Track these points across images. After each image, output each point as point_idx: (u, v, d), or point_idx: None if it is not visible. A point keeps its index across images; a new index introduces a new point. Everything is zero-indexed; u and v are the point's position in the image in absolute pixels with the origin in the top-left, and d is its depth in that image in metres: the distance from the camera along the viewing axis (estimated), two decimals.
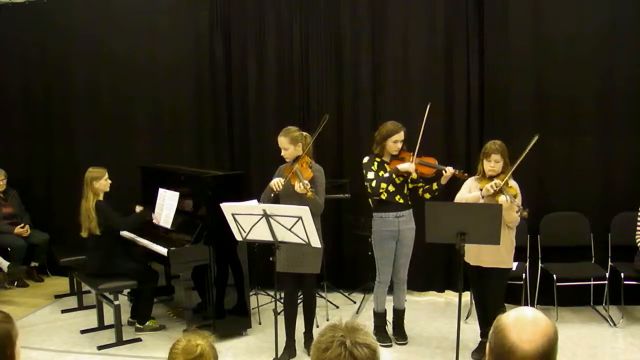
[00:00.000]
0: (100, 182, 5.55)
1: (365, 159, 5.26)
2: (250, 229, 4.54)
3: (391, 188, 5.12)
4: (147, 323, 5.74)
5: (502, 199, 4.61)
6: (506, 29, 6.05)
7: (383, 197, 5.12)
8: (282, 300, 5.27)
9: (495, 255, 4.75)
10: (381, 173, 5.12)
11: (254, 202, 4.85)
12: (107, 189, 5.62)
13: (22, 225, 7.13)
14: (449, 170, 5.01)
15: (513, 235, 4.85)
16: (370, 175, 5.16)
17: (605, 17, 5.83)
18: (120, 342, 5.45)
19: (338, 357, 1.79)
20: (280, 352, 4.87)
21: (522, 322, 1.83)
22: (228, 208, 4.56)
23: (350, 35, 6.54)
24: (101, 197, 5.55)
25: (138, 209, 5.84)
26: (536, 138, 4.64)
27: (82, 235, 5.61)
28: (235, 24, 6.83)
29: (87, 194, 5.53)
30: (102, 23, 7.16)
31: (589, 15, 5.86)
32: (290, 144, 4.99)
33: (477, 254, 4.78)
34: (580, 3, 5.90)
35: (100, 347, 5.42)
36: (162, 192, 5.82)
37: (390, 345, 5.32)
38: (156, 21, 7.05)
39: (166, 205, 5.74)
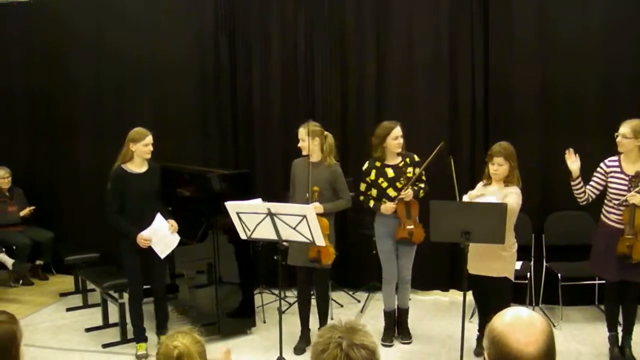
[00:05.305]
0: (138, 145, 4.97)
1: (365, 166, 5.29)
2: (255, 227, 4.54)
3: (392, 193, 5.13)
4: (137, 346, 5.22)
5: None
6: (511, 29, 6.04)
7: (384, 201, 5.15)
8: (286, 299, 5.29)
9: (483, 263, 4.74)
10: (372, 197, 5.22)
11: (259, 200, 4.85)
12: (146, 156, 5.03)
13: (32, 208, 7.20)
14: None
15: (508, 241, 4.69)
16: (362, 187, 5.28)
17: (610, 17, 5.80)
18: (125, 340, 5.46)
19: (334, 359, 1.80)
20: (284, 351, 4.85)
21: (518, 326, 1.77)
22: (233, 207, 4.56)
23: (355, 35, 6.54)
24: (132, 165, 5.00)
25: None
26: (441, 144, 5.00)
27: None
28: (240, 23, 6.83)
29: (121, 154, 5.04)
30: (106, 22, 7.17)
31: (594, 16, 5.84)
32: (307, 135, 5.07)
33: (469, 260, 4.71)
34: (585, 3, 5.88)
35: (105, 345, 5.43)
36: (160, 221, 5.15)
37: (391, 346, 5.31)
38: (160, 20, 7.05)
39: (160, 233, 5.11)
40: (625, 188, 4.66)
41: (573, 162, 4.80)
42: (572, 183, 4.85)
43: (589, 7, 5.86)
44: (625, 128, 4.67)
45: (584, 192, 4.85)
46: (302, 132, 5.12)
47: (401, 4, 6.38)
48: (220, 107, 6.97)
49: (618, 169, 4.75)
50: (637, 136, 4.62)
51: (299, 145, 5.17)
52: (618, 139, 4.70)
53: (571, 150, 4.82)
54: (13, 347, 2.20)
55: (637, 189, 4.58)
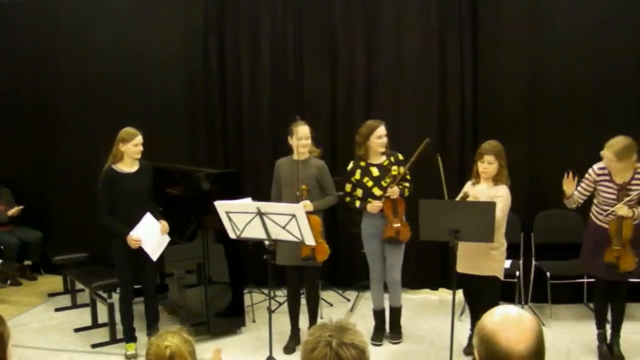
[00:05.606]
0: (128, 145, 4.94)
1: (349, 166, 5.28)
2: (244, 227, 4.54)
3: (378, 192, 5.13)
4: (126, 346, 5.21)
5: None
6: (500, 28, 6.07)
7: (369, 200, 5.14)
8: (276, 299, 5.29)
9: (472, 262, 4.75)
10: (357, 198, 5.21)
11: (248, 200, 4.85)
12: (136, 156, 4.99)
13: (20, 208, 7.12)
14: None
15: (498, 240, 4.70)
16: (347, 188, 5.27)
17: (600, 16, 5.83)
18: (114, 340, 5.44)
19: (324, 357, 1.80)
20: (274, 351, 4.86)
21: (508, 324, 1.78)
22: (222, 206, 4.56)
23: (344, 35, 6.55)
24: (123, 165, 4.97)
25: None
26: (426, 140, 4.96)
27: None
28: (229, 21, 6.81)
29: (112, 154, 4.99)
30: (96, 21, 7.11)
31: (584, 14, 5.86)
32: (310, 134, 5.10)
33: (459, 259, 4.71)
34: (575, 2, 5.90)
35: (94, 346, 5.41)
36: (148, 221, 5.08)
37: (381, 345, 5.31)
38: (150, 19, 7.01)
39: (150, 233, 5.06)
40: (614, 196, 4.66)
41: (569, 187, 4.81)
42: (565, 200, 4.91)
43: (579, 5, 5.88)
44: (608, 152, 4.61)
45: (574, 202, 4.91)
46: (306, 130, 5.08)
47: (390, 4, 6.39)
48: (209, 106, 6.94)
49: (607, 177, 4.74)
50: (621, 159, 4.58)
51: (301, 144, 5.07)
52: (604, 161, 4.70)
53: (570, 174, 4.79)
54: (0, 348, 2.19)
55: (624, 201, 4.59)
